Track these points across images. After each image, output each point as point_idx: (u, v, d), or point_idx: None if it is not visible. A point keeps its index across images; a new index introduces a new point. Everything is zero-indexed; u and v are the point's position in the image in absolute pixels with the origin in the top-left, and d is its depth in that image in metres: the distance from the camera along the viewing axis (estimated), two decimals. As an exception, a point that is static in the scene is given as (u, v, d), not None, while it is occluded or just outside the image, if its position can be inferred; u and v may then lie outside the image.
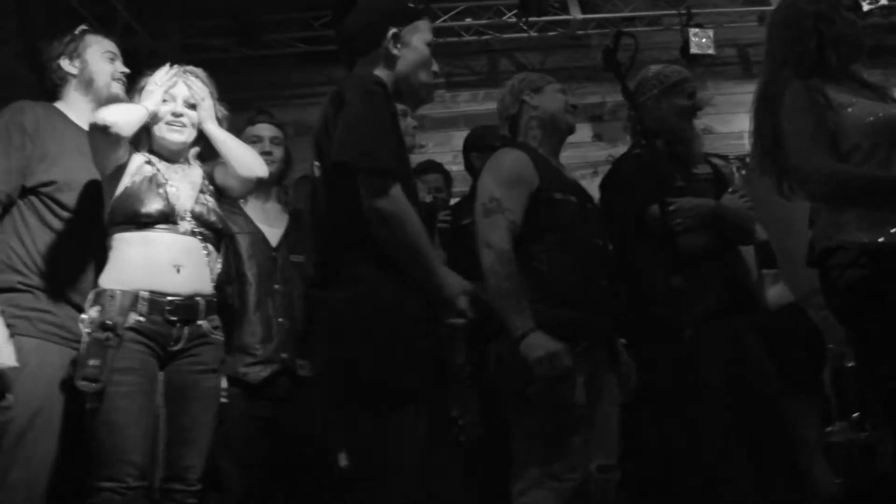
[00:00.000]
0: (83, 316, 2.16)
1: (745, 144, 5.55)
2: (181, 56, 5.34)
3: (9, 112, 2.43)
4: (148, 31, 5.29)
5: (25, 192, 2.35)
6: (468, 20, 5.53)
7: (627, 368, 2.54)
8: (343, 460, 3.08)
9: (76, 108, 2.49)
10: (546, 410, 2.29)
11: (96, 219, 2.32)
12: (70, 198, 2.37)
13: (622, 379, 2.52)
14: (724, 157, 3.92)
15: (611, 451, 2.45)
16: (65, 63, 2.51)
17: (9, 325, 2.20)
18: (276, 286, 2.83)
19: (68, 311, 2.32)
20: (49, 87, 2.56)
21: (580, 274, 2.41)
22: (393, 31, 2.14)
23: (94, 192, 2.37)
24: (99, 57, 2.52)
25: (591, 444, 2.38)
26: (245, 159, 2.47)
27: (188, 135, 2.45)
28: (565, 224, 2.43)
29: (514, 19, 5.55)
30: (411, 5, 2.26)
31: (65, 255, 2.35)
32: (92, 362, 2.08)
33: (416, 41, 2.17)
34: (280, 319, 2.79)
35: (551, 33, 5.68)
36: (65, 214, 2.36)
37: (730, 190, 2.84)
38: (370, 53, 2.16)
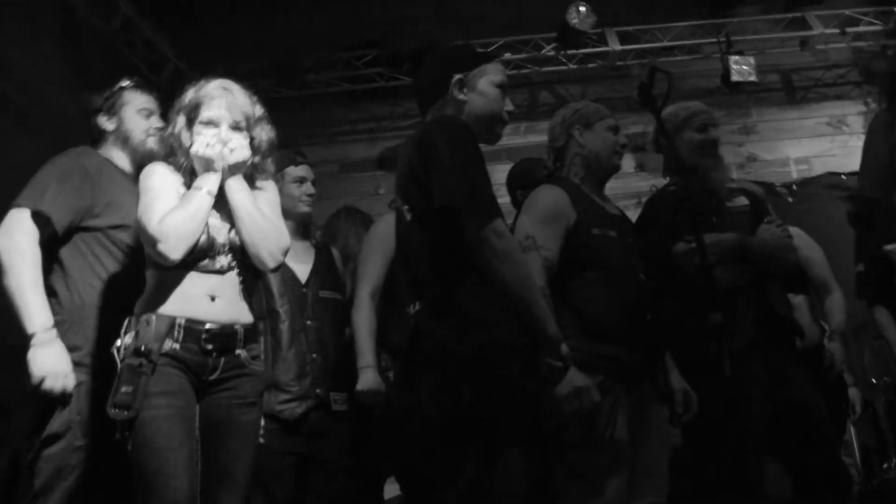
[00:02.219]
0: (117, 343, 2.10)
1: (791, 171, 5.55)
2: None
3: (73, 155, 2.50)
4: (196, 74, 5.43)
5: (80, 230, 2.41)
6: (507, 55, 5.58)
7: (683, 395, 2.49)
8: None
9: (118, 161, 2.57)
10: (583, 447, 2.27)
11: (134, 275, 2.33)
12: (129, 239, 2.44)
13: (677, 406, 2.48)
14: (770, 186, 3.88)
15: (660, 490, 2.40)
16: (102, 119, 2.59)
17: None
18: (308, 322, 2.86)
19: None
20: (92, 140, 2.64)
21: (620, 309, 2.39)
22: (457, 76, 2.20)
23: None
24: (135, 114, 2.59)
25: (639, 482, 2.35)
26: (268, 240, 2.21)
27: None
28: (604, 259, 2.42)
29: (553, 52, 5.59)
30: (478, 51, 2.33)
31: (109, 294, 2.39)
32: (124, 389, 2.00)
33: (482, 84, 2.21)
34: (313, 355, 2.81)
35: (591, 65, 5.71)
36: (120, 255, 2.42)
37: (766, 220, 2.79)
38: (439, 102, 2.22)
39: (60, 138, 4.43)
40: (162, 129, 2.42)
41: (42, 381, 2.18)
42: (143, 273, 2.24)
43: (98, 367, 2.29)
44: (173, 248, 2.07)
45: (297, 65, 5.45)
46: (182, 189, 2.21)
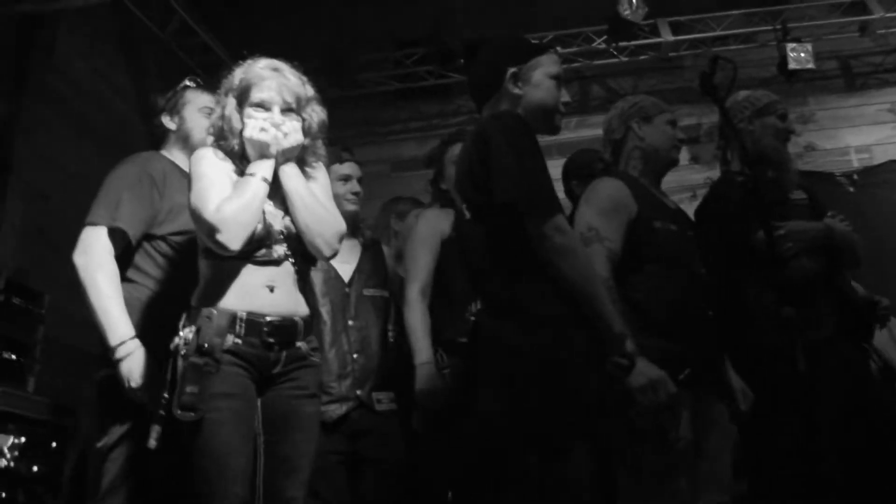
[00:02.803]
0: (176, 339, 2.05)
1: (852, 160, 5.39)
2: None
3: (139, 161, 2.54)
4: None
5: (149, 238, 2.45)
6: (558, 48, 5.53)
7: (742, 394, 2.45)
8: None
9: (179, 161, 2.60)
10: (651, 444, 2.24)
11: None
12: (188, 244, 2.45)
13: (735, 405, 2.43)
14: (830, 175, 3.80)
15: (724, 486, 2.35)
16: (165, 119, 2.63)
17: None
18: (350, 322, 2.85)
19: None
20: (155, 140, 2.69)
21: (681, 303, 2.35)
22: (512, 70, 2.19)
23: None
24: (196, 112, 2.61)
25: (702, 479, 2.31)
26: (323, 227, 2.16)
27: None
28: (666, 253, 2.38)
29: (603, 45, 5.53)
30: (532, 42, 2.31)
31: (169, 304, 2.37)
32: (189, 389, 1.95)
33: (537, 76, 2.20)
34: (355, 356, 2.80)
35: (642, 57, 5.64)
36: (179, 260, 2.44)
37: (829, 213, 2.73)
38: (494, 96, 2.21)
39: (118, 142, 4.57)
40: (211, 112, 2.36)
41: (134, 389, 2.20)
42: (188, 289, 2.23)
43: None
44: (233, 238, 2.02)
45: (347, 64, 5.49)
46: (234, 175, 2.16)
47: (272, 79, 2.23)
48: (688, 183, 5.28)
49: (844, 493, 2.44)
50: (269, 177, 2.14)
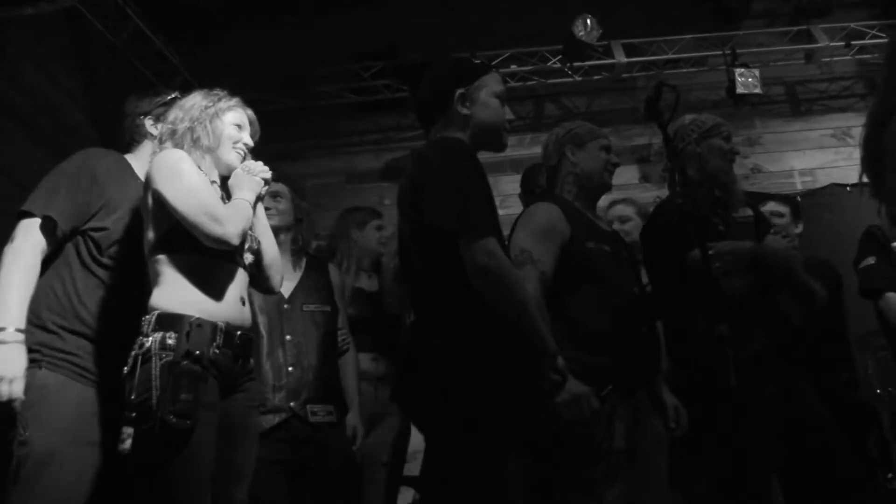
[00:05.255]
0: (149, 338, 2.01)
1: (796, 183, 5.56)
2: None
3: (83, 156, 2.54)
4: (203, 85, 5.48)
5: (76, 233, 2.43)
6: (513, 66, 5.61)
7: (674, 411, 2.51)
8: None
9: (143, 163, 2.56)
10: (582, 457, 2.28)
11: (137, 270, 2.32)
12: (116, 247, 2.44)
13: (669, 421, 2.50)
14: (785, 197, 3.93)
15: (660, 495, 2.42)
16: (148, 122, 2.63)
17: (31, 360, 2.23)
18: (288, 336, 2.90)
19: (93, 353, 2.34)
20: (126, 139, 2.68)
21: (616, 321, 2.41)
22: (459, 91, 2.24)
23: (139, 245, 2.38)
24: None
25: (638, 492, 2.36)
26: (280, 268, 2.40)
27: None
28: (600, 273, 2.45)
29: (558, 65, 5.62)
30: (475, 62, 2.37)
31: (100, 301, 2.39)
32: (184, 396, 1.93)
33: (483, 96, 2.26)
34: (290, 368, 2.86)
35: (596, 77, 5.74)
36: (107, 262, 2.42)
37: (772, 231, 2.82)
38: (442, 117, 2.26)
39: (69, 149, 4.48)
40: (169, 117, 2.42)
41: None
42: (121, 289, 2.28)
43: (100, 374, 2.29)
44: (234, 234, 2.10)
45: (303, 76, 5.49)
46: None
47: (242, 109, 2.41)
48: (638, 201, 5.37)
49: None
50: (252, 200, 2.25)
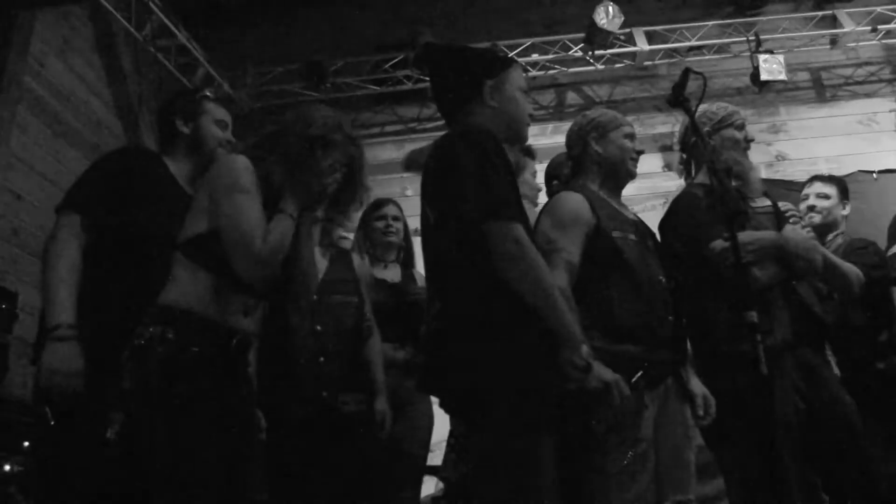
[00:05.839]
0: (149, 331, 2.03)
1: (821, 170, 5.50)
2: (255, 101, 5.60)
3: (121, 154, 2.61)
4: (225, 77, 5.52)
5: (108, 228, 2.46)
6: (535, 56, 5.59)
7: (703, 399, 2.51)
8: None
9: (178, 164, 2.64)
10: (612, 445, 2.28)
11: (157, 269, 2.32)
12: (142, 245, 2.45)
13: (697, 409, 2.49)
14: (831, 177, 3.86)
15: (685, 486, 2.41)
16: (179, 122, 2.66)
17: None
18: (318, 327, 2.91)
19: (92, 347, 2.35)
20: (160, 140, 2.73)
21: (643, 310, 2.40)
22: (489, 83, 2.24)
23: (162, 244, 2.37)
24: (212, 123, 2.67)
25: (664, 480, 2.36)
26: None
27: None
28: (626, 262, 2.44)
29: (580, 53, 5.59)
30: (501, 55, 2.37)
31: (111, 296, 2.42)
32: (178, 391, 1.98)
33: (508, 89, 2.27)
34: (321, 359, 2.87)
35: (618, 65, 5.71)
36: (130, 257, 2.44)
37: (791, 220, 2.80)
38: (465, 107, 2.26)
39: (92, 142, 4.55)
40: (225, 126, 2.54)
41: (51, 375, 2.21)
42: (132, 288, 2.29)
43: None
44: (267, 274, 2.10)
45: (325, 67, 5.51)
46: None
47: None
48: (661, 190, 5.35)
49: (804, 494, 2.50)
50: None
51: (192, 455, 1.98)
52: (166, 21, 4.84)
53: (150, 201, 2.48)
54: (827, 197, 3.59)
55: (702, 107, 2.95)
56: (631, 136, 2.67)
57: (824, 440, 2.61)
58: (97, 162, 2.59)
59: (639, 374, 2.28)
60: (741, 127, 2.93)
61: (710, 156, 2.60)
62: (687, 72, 2.30)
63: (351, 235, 3.59)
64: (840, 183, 3.73)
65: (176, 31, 4.96)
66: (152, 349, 2.01)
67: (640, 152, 2.67)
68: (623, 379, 2.17)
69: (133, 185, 2.48)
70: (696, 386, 2.50)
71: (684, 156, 3.04)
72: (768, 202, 2.92)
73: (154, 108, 5.04)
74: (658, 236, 2.83)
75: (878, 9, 5.49)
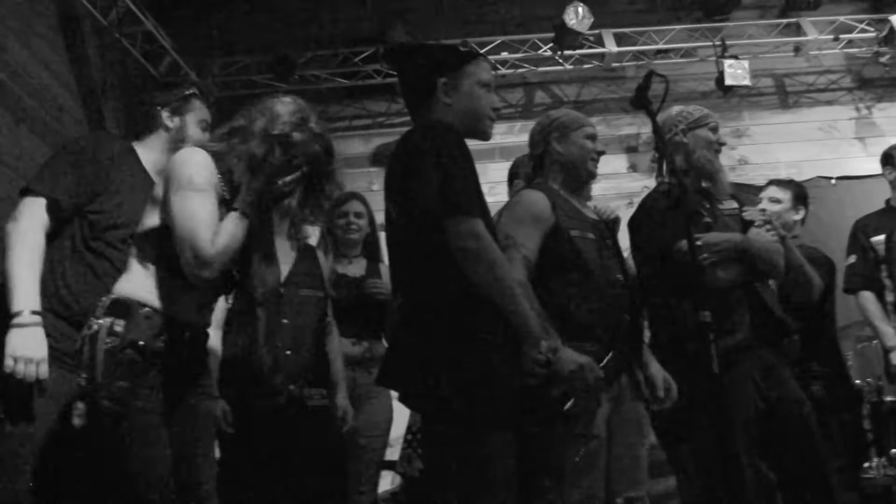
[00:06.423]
0: (98, 322, 2.04)
1: (781, 175, 5.60)
2: (221, 91, 5.54)
3: (90, 139, 2.58)
4: (191, 66, 5.46)
5: (75, 215, 2.44)
6: (504, 54, 5.61)
7: (663, 382, 2.53)
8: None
9: (152, 154, 2.62)
10: (562, 443, 2.32)
11: (114, 261, 2.37)
12: (111, 233, 2.45)
13: (658, 392, 2.52)
14: (789, 182, 3.93)
15: (638, 483, 2.46)
16: (165, 114, 2.63)
17: None
18: (284, 321, 2.91)
19: (71, 337, 2.31)
20: (138, 128, 2.70)
21: (599, 308, 2.44)
22: (442, 80, 2.24)
23: (126, 234, 2.40)
24: (196, 123, 2.65)
25: (616, 476, 2.41)
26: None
27: None
28: (584, 261, 2.48)
29: (549, 52, 5.62)
30: (462, 50, 2.38)
31: (86, 286, 2.40)
32: (120, 383, 1.98)
33: (465, 85, 2.26)
34: (287, 352, 2.88)
35: (586, 66, 5.75)
36: (99, 246, 2.44)
37: (756, 223, 2.85)
38: (426, 104, 2.27)
39: (54, 128, 4.47)
40: (207, 126, 2.52)
41: (15, 362, 2.17)
42: (105, 275, 2.29)
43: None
44: (214, 275, 2.05)
45: (294, 60, 5.47)
46: (217, 186, 2.15)
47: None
48: (626, 191, 5.41)
49: (760, 492, 2.55)
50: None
51: (138, 448, 1.99)
52: (133, 7, 4.77)
53: (117, 190, 2.46)
54: (778, 201, 3.69)
55: (677, 107, 3.00)
56: (592, 137, 2.71)
57: (781, 438, 2.67)
58: (65, 145, 2.56)
59: (608, 356, 2.31)
60: (714, 129, 2.98)
61: (670, 156, 2.64)
62: (650, 74, 2.33)
63: (315, 230, 3.58)
64: (796, 188, 3.82)
65: (142, 18, 4.89)
66: (101, 341, 2.02)
67: (601, 153, 2.71)
68: (605, 360, 2.20)
69: (101, 172, 2.45)
70: (656, 369, 2.54)
71: (657, 154, 3.09)
72: (735, 204, 2.98)
73: (117, 94, 4.98)
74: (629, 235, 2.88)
75: (841, 18, 5.60)
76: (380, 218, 3.46)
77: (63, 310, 2.36)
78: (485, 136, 2.31)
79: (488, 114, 2.28)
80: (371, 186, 5.33)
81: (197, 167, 2.11)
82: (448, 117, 2.22)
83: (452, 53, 2.35)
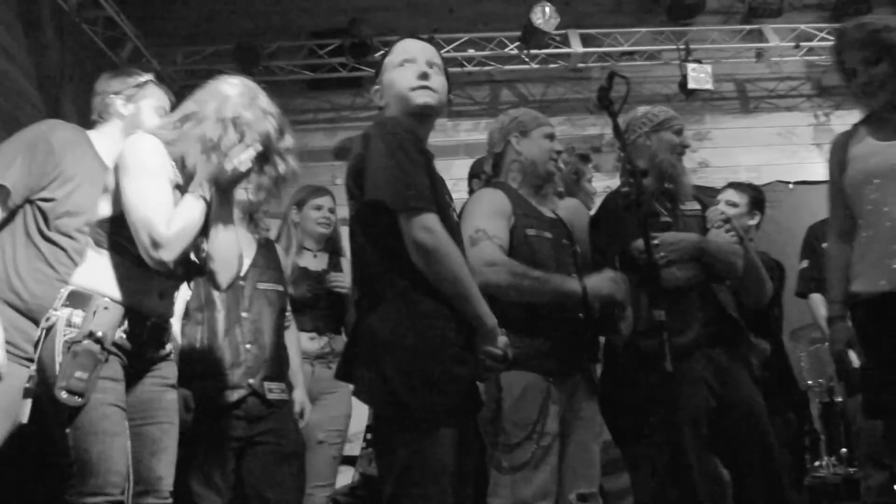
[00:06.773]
0: (56, 313, 2.02)
1: (741, 178, 5.68)
2: (184, 79, 5.47)
3: (43, 127, 2.53)
4: (154, 54, 5.38)
5: (26, 202, 2.42)
6: (471, 51, 5.62)
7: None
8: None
9: (107, 142, 2.57)
10: (514, 438, 2.35)
11: (79, 246, 2.33)
12: (63, 221, 2.42)
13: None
14: (748, 186, 3.98)
15: (591, 480, 2.48)
16: (119, 102, 2.59)
17: None
18: (244, 314, 2.89)
19: (21, 328, 2.33)
20: (93, 116, 2.65)
21: (553, 306, 2.46)
22: (375, 88, 2.24)
23: (81, 224, 2.38)
24: (152, 109, 2.60)
25: (570, 473, 2.43)
26: (226, 266, 2.29)
27: None
28: (538, 259, 2.51)
29: (515, 51, 5.64)
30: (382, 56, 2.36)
31: (37, 274, 2.38)
32: (79, 374, 1.95)
33: (386, 79, 2.20)
34: (247, 346, 2.86)
35: (552, 65, 5.78)
36: (52, 234, 2.41)
37: (716, 224, 2.89)
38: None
39: (13, 115, 4.36)
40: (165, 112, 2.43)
41: None
42: (61, 265, 2.27)
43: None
44: (172, 259, 2.03)
45: (258, 50, 5.41)
46: (171, 172, 2.13)
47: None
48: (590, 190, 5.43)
49: (711, 489, 2.59)
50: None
51: (98, 440, 1.97)
52: (94, -8, 4.69)
53: (69, 178, 2.43)
54: (735, 205, 3.76)
55: (643, 108, 3.02)
56: (551, 137, 2.73)
57: (734, 436, 2.70)
58: (19, 133, 2.51)
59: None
60: (679, 132, 2.99)
61: (630, 157, 2.66)
62: (612, 75, 2.34)
63: (274, 224, 3.54)
64: (754, 193, 3.88)
65: (104, 3, 4.81)
66: (59, 332, 2.00)
67: (560, 152, 2.73)
68: (536, 378, 2.20)
69: (52, 159, 2.42)
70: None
71: (622, 154, 3.11)
72: (698, 206, 3.01)
73: (77, 81, 4.88)
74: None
75: (802, 26, 5.70)
76: (342, 212, 3.46)
77: (15, 299, 2.33)
78: (418, 107, 2.16)
79: (410, 85, 2.16)
80: (334, 180, 5.29)
81: (148, 152, 2.09)
82: (392, 111, 2.19)
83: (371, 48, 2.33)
